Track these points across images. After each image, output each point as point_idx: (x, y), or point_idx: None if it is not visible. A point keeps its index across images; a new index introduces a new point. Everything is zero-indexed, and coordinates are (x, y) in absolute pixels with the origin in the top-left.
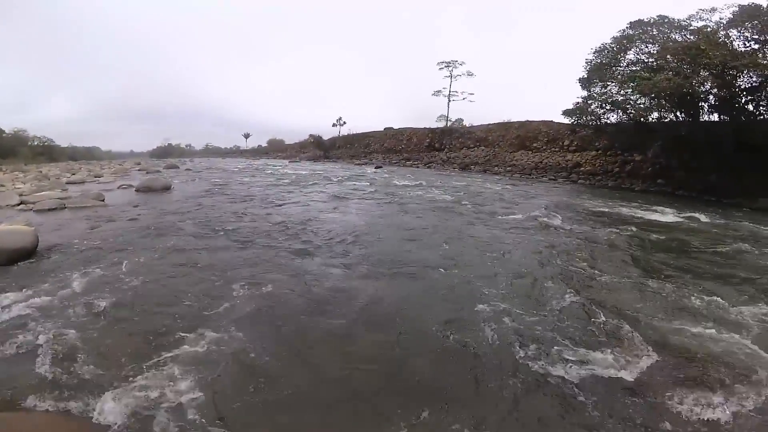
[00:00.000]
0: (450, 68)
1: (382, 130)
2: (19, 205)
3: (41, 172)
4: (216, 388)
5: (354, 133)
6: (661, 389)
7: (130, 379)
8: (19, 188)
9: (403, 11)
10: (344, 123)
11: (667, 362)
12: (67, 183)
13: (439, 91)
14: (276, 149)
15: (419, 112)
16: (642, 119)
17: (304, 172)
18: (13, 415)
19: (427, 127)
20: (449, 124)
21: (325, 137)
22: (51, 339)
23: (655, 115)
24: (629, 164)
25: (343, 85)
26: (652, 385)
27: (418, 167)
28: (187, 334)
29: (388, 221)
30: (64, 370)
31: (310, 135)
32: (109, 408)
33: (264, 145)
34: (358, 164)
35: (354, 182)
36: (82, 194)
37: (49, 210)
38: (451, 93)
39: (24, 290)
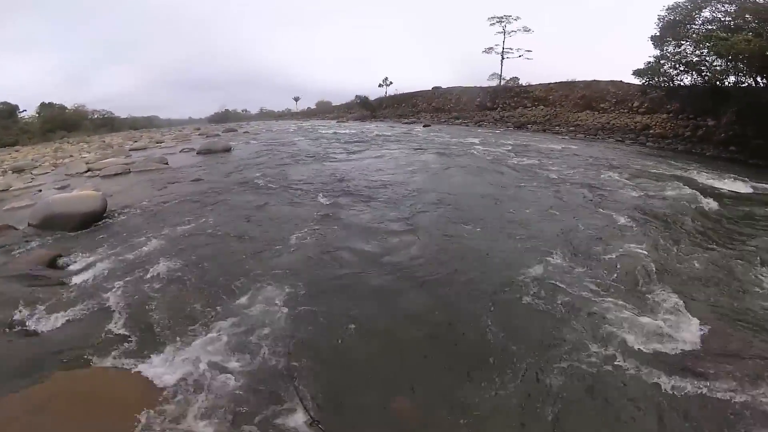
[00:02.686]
0: (503, 23)
1: (430, 89)
2: (86, 172)
3: (104, 141)
4: (267, 343)
5: (401, 93)
6: (708, 361)
7: (194, 335)
8: (85, 157)
9: None
10: (390, 83)
11: (718, 334)
12: (130, 150)
13: (491, 48)
14: (324, 111)
15: (469, 72)
16: (717, 83)
17: (351, 131)
18: (84, 371)
19: (478, 86)
20: (502, 82)
21: (372, 98)
22: (120, 298)
23: (732, 79)
24: (701, 129)
25: (388, 44)
26: (698, 356)
27: (468, 125)
28: (244, 293)
29: (437, 177)
30: (132, 328)
31: (357, 96)
32: (173, 364)
33: (313, 107)
34: (406, 123)
35: (401, 139)
36: (145, 159)
37: (115, 175)
38: (504, 50)
39: (94, 252)
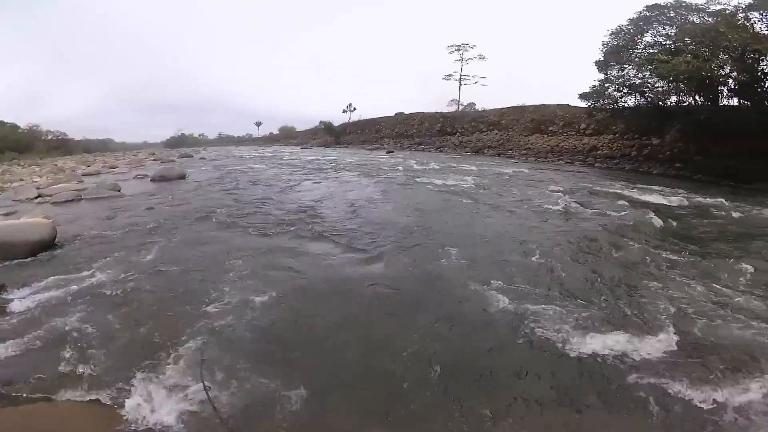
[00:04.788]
0: (461, 51)
1: (393, 115)
2: (36, 198)
3: (57, 165)
4: (230, 381)
5: (364, 118)
6: (665, 371)
7: (150, 367)
8: (36, 181)
9: None
10: (354, 109)
11: (673, 345)
12: (82, 175)
13: (450, 75)
14: (287, 136)
15: (430, 97)
16: (660, 103)
17: (314, 158)
18: (40, 405)
19: (439, 111)
20: (461, 108)
21: (336, 123)
22: (71, 330)
23: (674, 99)
24: (647, 148)
25: (352, 71)
26: (657, 366)
27: (430, 151)
28: (201, 324)
29: (399, 204)
30: (86, 360)
31: (321, 122)
32: (134, 397)
33: (275, 132)
34: (369, 149)
35: (364, 167)
36: (98, 185)
37: (66, 202)
38: (462, 77)
39: (43, 282)
